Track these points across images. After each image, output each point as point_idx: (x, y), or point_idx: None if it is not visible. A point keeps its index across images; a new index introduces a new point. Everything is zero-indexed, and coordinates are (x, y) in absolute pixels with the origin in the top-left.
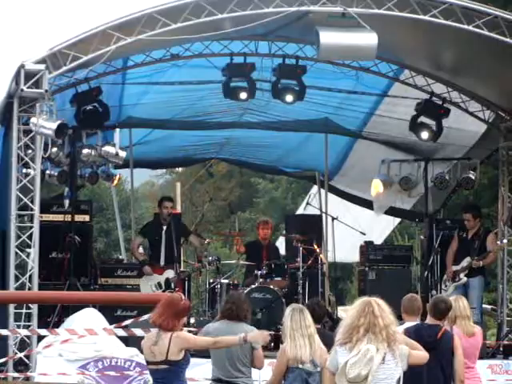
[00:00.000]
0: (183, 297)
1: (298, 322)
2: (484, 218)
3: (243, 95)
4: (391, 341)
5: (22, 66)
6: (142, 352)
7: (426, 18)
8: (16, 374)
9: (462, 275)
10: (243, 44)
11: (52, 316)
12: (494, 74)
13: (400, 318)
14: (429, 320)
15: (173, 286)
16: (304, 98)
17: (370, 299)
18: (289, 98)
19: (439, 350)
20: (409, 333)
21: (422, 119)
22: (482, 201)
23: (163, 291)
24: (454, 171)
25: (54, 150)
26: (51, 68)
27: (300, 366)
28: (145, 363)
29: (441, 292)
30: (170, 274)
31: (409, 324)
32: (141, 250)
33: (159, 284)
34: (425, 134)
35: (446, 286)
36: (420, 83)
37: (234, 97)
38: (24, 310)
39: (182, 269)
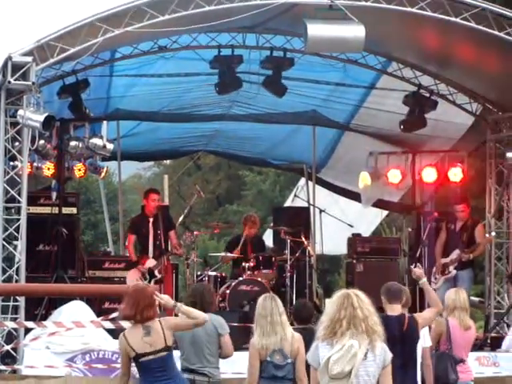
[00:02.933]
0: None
1: (267, 308)
2: (472, 210)
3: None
4: (371, 334)
5: (9, 58)
6: (125, 348)
7: (414, 10)
8: (3, 367)
9: (451, 268)
10: (231, 36)
11: (39, 309)
12: (482, 67)
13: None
14: (389, 310)
15: (157, 273)
16: (286, 91)
17: (349, 291)
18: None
19: (407, 341)
20: None
21: (410, 111)
22: (469, 193)
23: (149, 281)
24: (441, 163)
25: (42, 142)
26: (38, 60)
27: (268, 358)
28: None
29: (430, 285)
30: (150, 263)
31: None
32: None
33: (143, 275)
34: (412, 126)
35: (435, 278)
36: (407, 75)
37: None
38: (11, 303)
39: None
